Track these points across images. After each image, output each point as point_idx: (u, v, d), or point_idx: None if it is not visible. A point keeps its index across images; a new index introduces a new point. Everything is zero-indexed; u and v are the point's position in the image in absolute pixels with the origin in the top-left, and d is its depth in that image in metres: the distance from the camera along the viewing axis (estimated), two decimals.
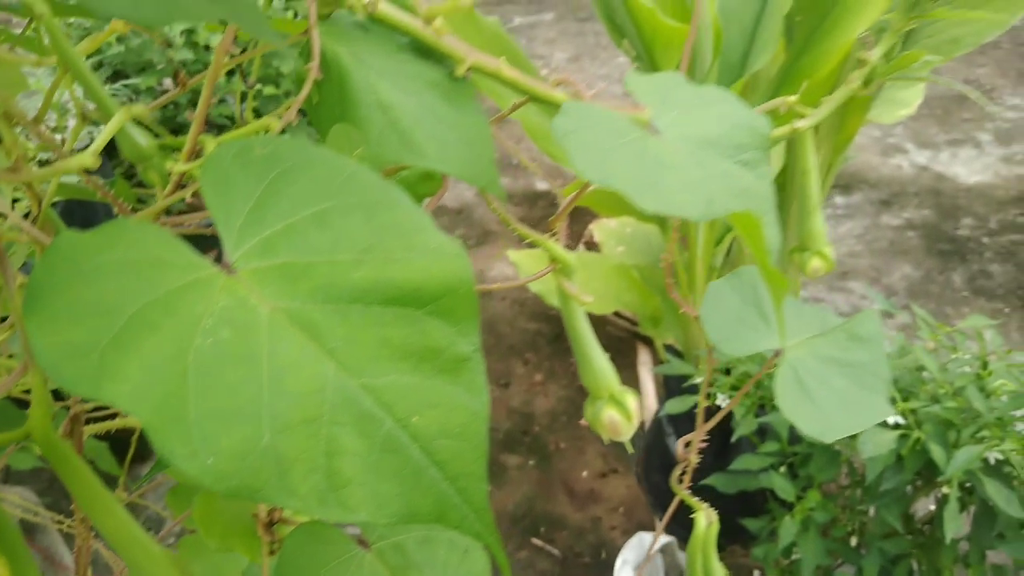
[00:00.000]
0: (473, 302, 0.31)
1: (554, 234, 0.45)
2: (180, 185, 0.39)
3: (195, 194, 0.41)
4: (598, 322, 2.43)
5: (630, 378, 2.31)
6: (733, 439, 1.25)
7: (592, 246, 2.27)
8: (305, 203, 0.32)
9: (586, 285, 1.80)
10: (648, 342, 2.15)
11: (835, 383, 0.49)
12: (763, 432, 1.32)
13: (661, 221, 1.60)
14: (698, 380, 1.32)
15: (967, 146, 3.24)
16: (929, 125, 3.37)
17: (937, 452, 1.12)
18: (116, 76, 2.23)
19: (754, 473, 1.32)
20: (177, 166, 0.38)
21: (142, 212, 0.39)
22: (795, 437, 1.28)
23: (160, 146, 0.43)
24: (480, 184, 0.43)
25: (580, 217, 2.36)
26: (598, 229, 2.01)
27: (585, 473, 2.01)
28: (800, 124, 0.48)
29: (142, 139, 0.42)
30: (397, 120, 0.41)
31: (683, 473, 0.59)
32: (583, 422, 0.49)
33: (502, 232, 2.78)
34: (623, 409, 0.48)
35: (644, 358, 2.13)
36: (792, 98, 0.48)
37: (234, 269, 0.30)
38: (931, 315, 2.45)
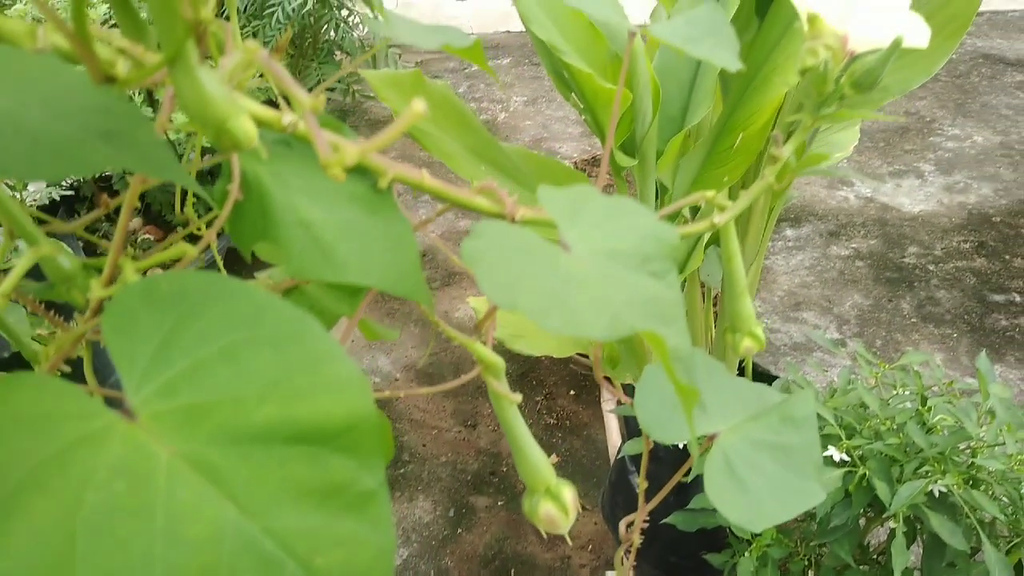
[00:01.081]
0: (378, 436, 0.30)
1: (482, 336, 0.45)
2: (100, 309, 0.38)
3: None
4: (561, 360, 2.43)
5: (595, 416, 2.31)
6: (689, 479, 1.25)
7: None
8: (213, 337, 0.32)
9: (520, 326, 1.80)
10: (608, 380, 2.15)
11: (766, 468, 0.49)
12: None
13: None
14: None
15: (910, 176, 3.31)
16: (872, 157, 3.44)
17: (881, 488, 1.13)
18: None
19: (712, 510, 1.32)
20: (95, 291, 0.37)
21: (66, 335, 0.38)
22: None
23: (84, 266, 0.42)
24: (406, 294, 0.42)
25: None
26: None
27: None
28: (718, 220, 0.48)
29: (65, 261, 0.41)
30: (319, 237, 0.40)
31: (627, 551, 0.58)
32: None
33: (466, 274, 2.78)
34: (560, 503, 0.47)
35: (607, 395, 2.13)
36: (710, 193, 0.48)
37: (134, 414, 0.29)
38: (882, 342, 2.49)
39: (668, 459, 1.54)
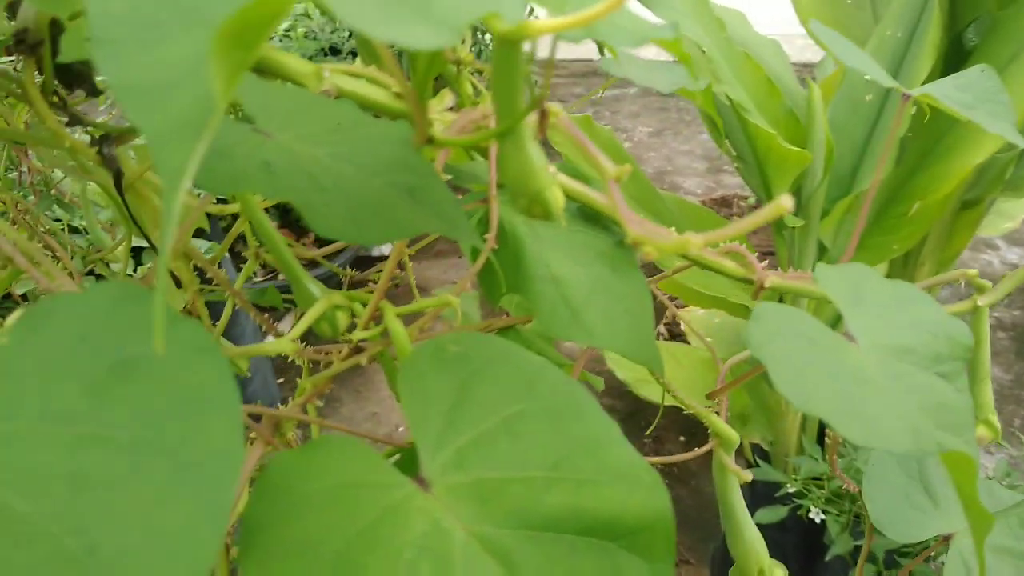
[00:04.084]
0: (670, 540, 0.28)
1: (715, 405, 0.42)
2: (357, 350, 0.38)
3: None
4: (675, 407, 2.35)
5: (704, 465, 2.22)
6: (828, 557, 1.18)
7: (676, 334, 2.21)
8: (495, 407, 0.30)
9: (671, 376, 1.74)
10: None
11: None
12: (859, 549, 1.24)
13: None
14: (791, 490, 1.24)
15: None
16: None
17: None
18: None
19: None
20: (357, 334, 0.37)
21: (320, 376, 0.37)
22: (891, 561, 1.19)
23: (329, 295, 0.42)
24: (640, 361, 0.40)
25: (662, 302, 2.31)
26: (684, 317, 1.96)
27: None
28: (982, 301, 0.44)
29: (315, 289, 0.41)
30: (569, 297, 0.39)
31: None
32: None
33: None
34: None
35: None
36: (972, 271, 0.44)
37: (430, 484, 0.28)
38: (1021, 421, 2.29)
39: (794, 528, 1.46)
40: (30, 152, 1.27)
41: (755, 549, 0.45)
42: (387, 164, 0.32)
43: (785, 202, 0.23)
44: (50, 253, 0.55)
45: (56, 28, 0.33)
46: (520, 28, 0.20)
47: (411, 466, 0.29)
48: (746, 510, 0.45)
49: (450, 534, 0.27)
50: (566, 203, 0.44)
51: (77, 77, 0.36)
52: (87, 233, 1.40)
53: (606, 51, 0.50)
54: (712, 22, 1.04)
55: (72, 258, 0.73)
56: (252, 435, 0.36)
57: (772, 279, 0.41)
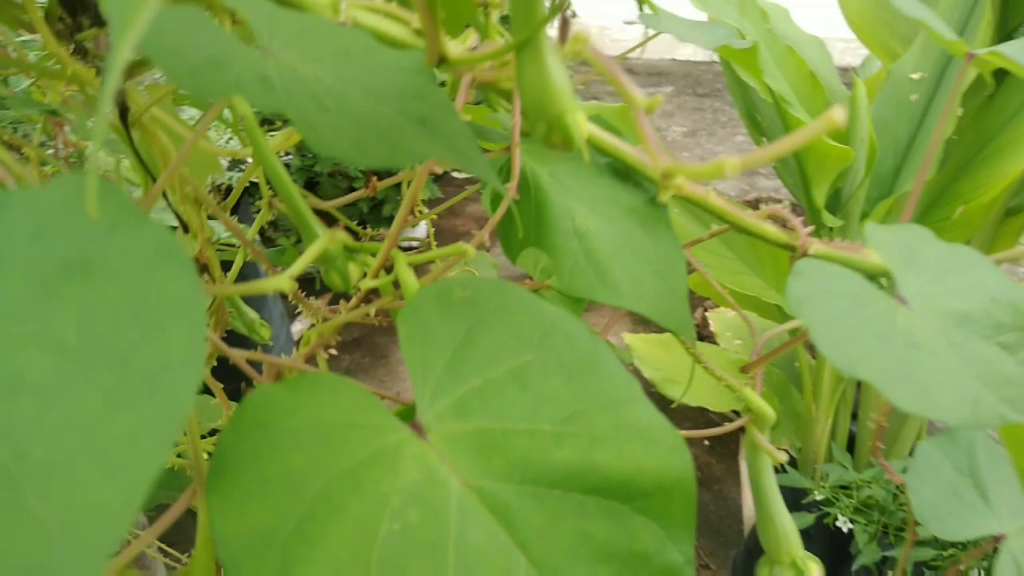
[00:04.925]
0: (690, 505, 0.25)
1: (750, 378, 0.39)
2: (366, 300, 0.35)
3: (379, 313, 0.38)
4: (700, 409, 2.30)
5: (729, 471, 2.17)
6: (854, 567, 1.13)
7: (705, 336, 2.17)
8: (503, 356, 0.27)
9: (699, 377, 1.70)
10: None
11: None
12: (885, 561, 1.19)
13: (786, 319, 1.49)
14: (818, 497, 1.20)
15: None
16: None
17: None
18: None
19: None
20: (366, 282, 0.34)
21: (327, 324, 0.35)
22: (919, 573, 1.14)
23: (344, 247, 0.39)
24: (670, 325, 0.37)
25: (692, 301, 2.25)
26: (714, 319, 1.91)
27: None
28: None
29: (320, 230, 0.39)
30: (593, 251, 0.36)
31: None
32: None
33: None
34: None
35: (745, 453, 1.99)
36: None
37: (426, 431, 0.25)
38: None
39: (820, 536, 1.41)
40: (66, 126, 1.27)
41: (788, 538, 0.41)
42: (398, 92, 0.29)
43: (837, 114, 0.20)
44: None
45: None
46: None
47: (410, 418, 0.26)
48: (779, 495, 0.42)
49: (445, 484, 0.24)
50: (596, 157, 0.41)
51: (81, 4, 0.35)
52: None
53: (645, 7, 0.47)
54: (756, 12, 1.00)
55: None
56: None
57: (816, 246, 0.38)
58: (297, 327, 2.29)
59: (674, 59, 4.72)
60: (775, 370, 1.67)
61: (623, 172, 0.41)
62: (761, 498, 0.41)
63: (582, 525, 0.24)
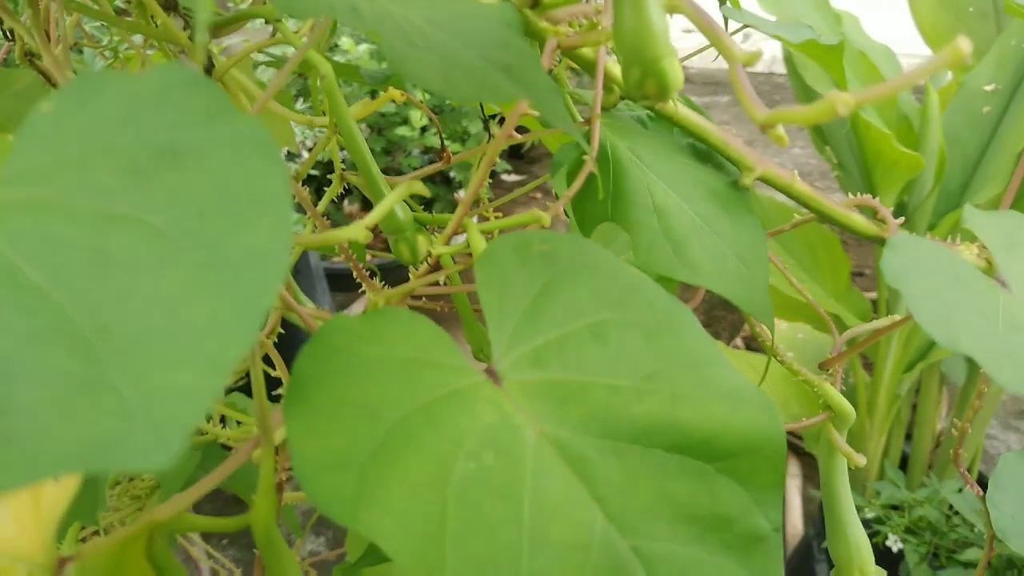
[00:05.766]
0: (780, 468, 0.23)
1: (829, 375, 0.37)
2: (434, 267, 0.35)
3: (440, 299, 0.37)
4: None
5: None
6: None
7: (753, 348, 2.12)
8: (581, 311, 0.26)
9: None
10: (799, 451, 1.96)
11: None
12: None
13: (844, 330, 1.45)
14: (869, 515, 1.15)
15: None
16: None
17: None
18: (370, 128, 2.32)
19: None
20: (437, 248, 0.33)
21: (396, 290, 0.34)
22: None
23: (414, 219, 0.39)
24: (751, 310, 0.36)
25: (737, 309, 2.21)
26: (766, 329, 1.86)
27: None
28: None
29: (400, 211, 0.38)
30: (671, 228, 0.35)
31: None
32: None
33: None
34: None
35: (793, 470, 1.93)
36: None
37: (501, 378, 0.24)
38: None
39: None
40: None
41: (860, 552, 0.39)
42: (485, 40, 0.28)
43: (963, 44, 0.19)
44: None
45: None
46: None
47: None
48: (852, 503, 0.40)
49: (520, 431, 0.23)
50: (676, 137, 0.40)
51: None
52: None
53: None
54: (830, 16, 0.98)
55: None
56: None
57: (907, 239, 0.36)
58: None
59: None
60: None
61: (704, 153, 0.40)
62: (834, 506, 0.39)
63: (662, 483, 0.23)
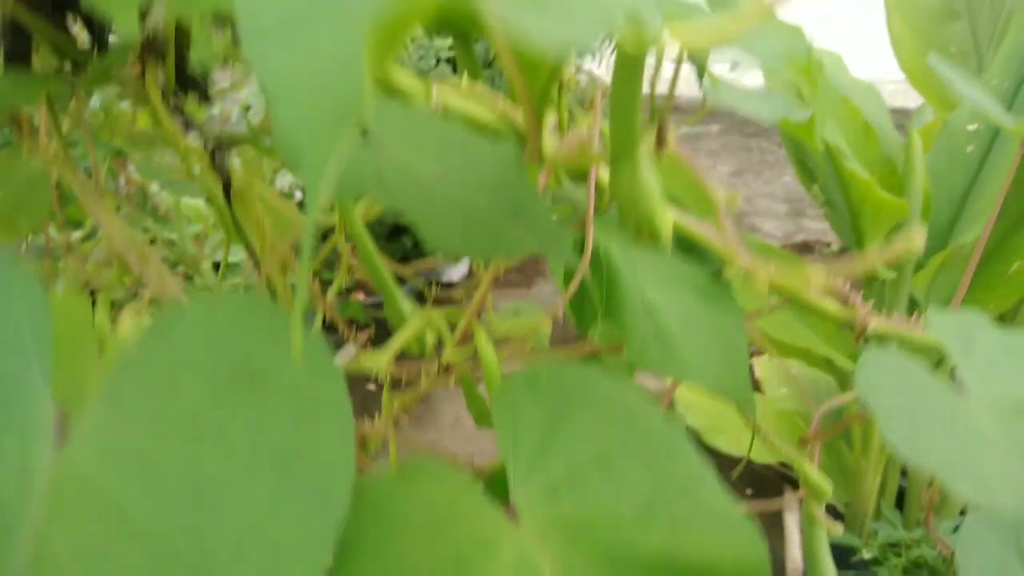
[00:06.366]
0: None
1: (808, 452, 0.40)
2: (447, 368, 0.37)
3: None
4: (743, 457, 2.27)
5: (773, 523, 2.13)
6: None
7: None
8: (587, 440, 0.29)
9: (745, 426, 1.68)
10: (796, 484, 1.98)
11: None
12: None
13: (835, 371, 1.48)
14: (867, 556, 1.18)
15: None
16: None
17: None
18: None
19: None
20: (448, 354, 0.36)
21: (402, 396, 0.37)
22: None
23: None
24: (733, 399, 0.38)
25: None
26: (760, 366, 1.89)
27: None
28: None
29: (406, 306, 0.41)
30: (663, 328, 0.37)
31: None
32: None
33: None
34: None
35: (792, 504, 1.96)
36: None
37: (519, 514, 0.27)
38: None
39: None
40: (129, 164, 1.33)
41: None
42: (492, 185, 0.31)
43: (917, 237, 0.22)
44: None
45: (181, 35, 0.34)
46: (682, 31, 0.19)
47: (495, 492, 0.28)
48: (834, 570, 0.42)
49: (537, 568, 0.25)
50: None
51: (192, 83, 0.37)
52: (173, 245, 1.46)
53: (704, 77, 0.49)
54: (810, 64, 1.01)
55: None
56: None
57: (876, 323, 0.39)
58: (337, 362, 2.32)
59: None
60: (827, 421, 1.65)
61: (687, 246, 0.43)
62: (816, 569, 0.42)
63: None
